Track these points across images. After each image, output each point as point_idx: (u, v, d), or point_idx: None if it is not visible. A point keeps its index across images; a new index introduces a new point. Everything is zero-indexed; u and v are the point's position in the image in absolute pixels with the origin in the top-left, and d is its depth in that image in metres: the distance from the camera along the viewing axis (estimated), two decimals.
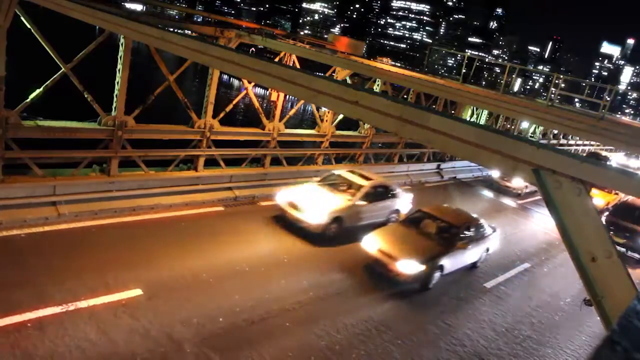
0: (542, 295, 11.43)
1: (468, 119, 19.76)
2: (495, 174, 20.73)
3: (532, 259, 13.66)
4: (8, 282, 6.97)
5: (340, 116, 14.53)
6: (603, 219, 14.94)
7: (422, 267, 9.35)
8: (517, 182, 19.98)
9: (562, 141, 31.47)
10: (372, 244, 9.90)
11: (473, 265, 11.44)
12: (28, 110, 9.03)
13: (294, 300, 8.36)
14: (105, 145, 10.08)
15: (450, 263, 10.12)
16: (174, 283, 8.03)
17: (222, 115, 12.17)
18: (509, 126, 25.86)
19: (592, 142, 31.76)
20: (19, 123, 8.76)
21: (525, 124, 26.80)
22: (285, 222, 11.20)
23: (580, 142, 33.04)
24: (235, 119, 34.38)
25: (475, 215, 11.94)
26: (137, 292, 7.47)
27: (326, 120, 14.98)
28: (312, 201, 10.92)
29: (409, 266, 9.30)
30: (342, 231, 11.00)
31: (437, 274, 9.92)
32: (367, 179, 12.08)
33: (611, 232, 12.97)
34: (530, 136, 27.35)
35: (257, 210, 12.19)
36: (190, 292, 7.92)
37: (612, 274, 3.17)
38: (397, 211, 12.69)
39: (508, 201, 19.86)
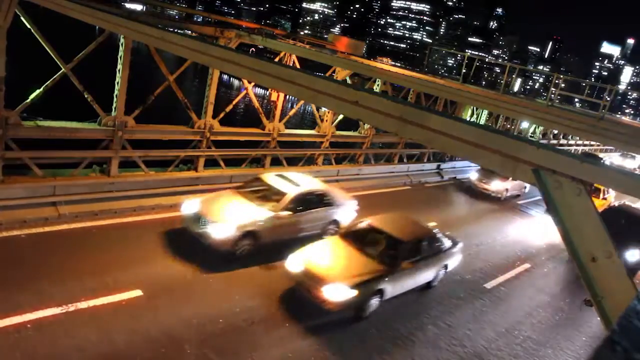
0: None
1: (468, 119, 19.77)
2: (473, 175, 19.27)
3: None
4: (8, 283, 6.97)
5: (340, 116, 14.53)
6: None
7: (354, 293, 7.66)
8: (497, 185, 18.43)
9: (562, 141, 31.49)
10: (298, 263, 8.20)
11: (428, 286, 9.84)
12: (28, 110, 9.03)
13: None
14: (105, 146, 10.08)
15: (393, 287, 8.44)
16: (174, 283, 8.03)
17: (222, 115, 12.17)
18: (509, 126, 25.86)
19: (592, 142, 31.80)
20: (19, 123, 8.77)
21: (525, 124, 26.80)
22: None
23: (580, 142, 33.06)
24: (235, 119, 34.37)
25: (430, 227, 10.53)
26: (137, 292, 7.47)
27: (326, 120, 14.99)
28: (221, 212, 9.17)
29: (337, 292, 7.60)
30: (259, 248, 9.19)
31: (374, 301, 8.19)
32: (296, 184, 10.25)
33: None
34: (530, 136, 27.36)
35: None
36: (190, 292, 7.92)
37: (612, 274, 3.17)
38: (335, 222, 10.78)
39: (487, 206, 17.87)
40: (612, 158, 33.67)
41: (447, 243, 10.11)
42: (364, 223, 9.53)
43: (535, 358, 8.62)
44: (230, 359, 6.64)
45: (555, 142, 29.98)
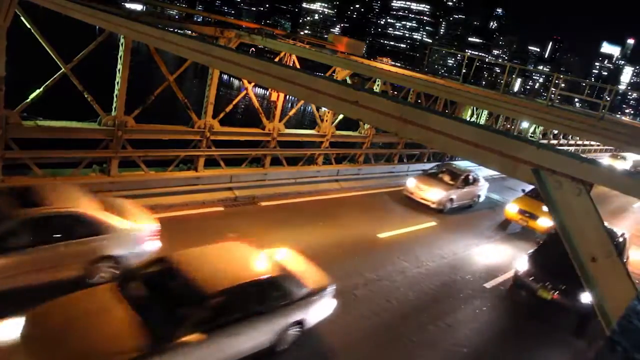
0: None
1: (468, 119, 19.76)
2: (410, 182, 15.73)
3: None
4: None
5: (340, 116, 14.54)
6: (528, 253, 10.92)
7: None
8: (436, 194, 14.92)
9: (562, 141, 31.51)
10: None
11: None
12: (28, 110, 9.04)
13: None
14: (105, 146, 10.09)
15: None
16: None
17: (222, 115, 12.18)
18: (509, 126, 25.87)
19: (592, 142, 31.82)
20: (19, 123, 8.77)
21: (525, 124, 26.81)
22: None
23: (580, 142, 33.09)
24: (235, 119, 34.39)
25: (277, 265, 7.01)
26: None
27: (326, 120, 14.99)
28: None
29: None
30: None
31: None
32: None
33: (538, 284, 9.75)
34: (530, 136, 27.36)
35: (257, 210, 12.20)
36: None
37: (612, 274, 3.16)
38: (111, 259, 7.39)
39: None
40: (602, 159, 33.73)
41: (300, 289, 6.92)
42: (158, 264, 6.50)
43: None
44: None
45: (555, 142, 30.00)
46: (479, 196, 16.92)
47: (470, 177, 16.22)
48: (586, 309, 8.89)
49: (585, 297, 8.92)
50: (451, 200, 15.31)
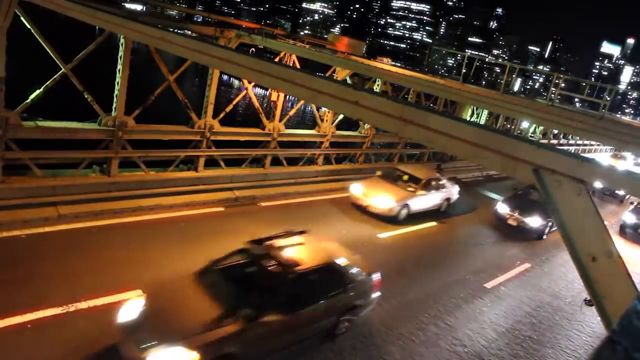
0: None
1: (468, 119, 19.76)
2: (355, 188, 13.64)
3: None
4: (8, 283, 6.97)
5: (341, 116, 14.53)
6: None
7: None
8: (383, 202, 13.07)
9: (562, 141, 31.50)
10: None
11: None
12: (28, 110, 9.04)
13: None
14: (105, 146, 10.08)
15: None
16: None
17: (222, 115, 12.17)
18: (509, 126, 25.87)
19: (592, 142, 31.82)
20: (19, 123, 8.77)
21: (525, 124, 26.81)
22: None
23: (580, 142, 33.08)
24: (236, 119, 34.37)
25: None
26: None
27: (326, 120, 14.99)
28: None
29: None
30: None
31: None
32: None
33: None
34: (530, 136, 27.36)
35: (257, 210, 12.19)
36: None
37: (612, 274, 3.16)
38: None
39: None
40: (603, 158, 33.77)
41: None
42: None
43: (536, 358, 8.61)
44: None
45: (555, 141, 30.00)
46: (448, 199, 15.25)
47: (434, 181, 14.53)
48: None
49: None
50: (406, 206, 13.39)
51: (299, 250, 7.14)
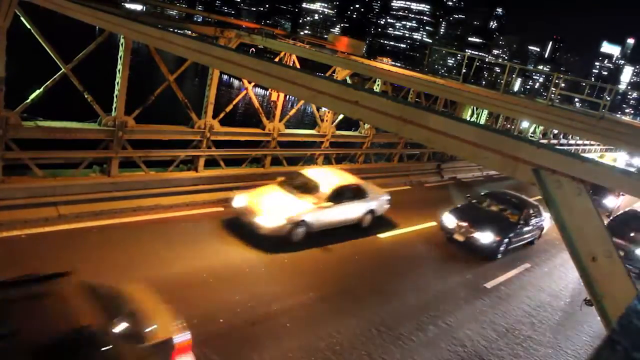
0: None
1: (468, 119, 19.76)
2: (239, 200, 10.65)
3: None
4: None
5: (341, 116, 14.53)
6: None
7: None
8: (269, 220, 9.95)
9: (562, 141, 31.50)
10: None
11: None
12: (28, 110, 9.04)
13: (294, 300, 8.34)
14: (106, 146, 10.08)
15: None
16: (175, 283, 8.02)
17: (222, 115, 12.18)
18: (509, 126, 25.87)
19: (592, 142, 31.82)
20: (19, 123, 8.77)
21: (525, 124, 26.81)
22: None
23: (580, 142, 33.10)
24: (236, 119, 34.36)
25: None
26: None
27: (326, 120, 14.99)
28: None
29: None
30: None
31: None
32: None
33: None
34: (531, 136, 27.36)
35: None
36: (191, 292, 7.92)
37: (612, 274, 3.16)
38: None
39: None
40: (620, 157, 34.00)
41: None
42: None
43: (536, 358, 8.62)
44: None
45: (555, 141, 30.00)
46: (372, 212, 12.26)
47: (348, 190, 11.61)
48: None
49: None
50: (302, 224, 10.31)
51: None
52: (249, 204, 10.45)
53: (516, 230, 12.95)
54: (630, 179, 3.45)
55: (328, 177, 11.77)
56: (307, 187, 11.19)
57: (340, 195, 11.23)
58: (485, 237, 12.21)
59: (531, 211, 13.77)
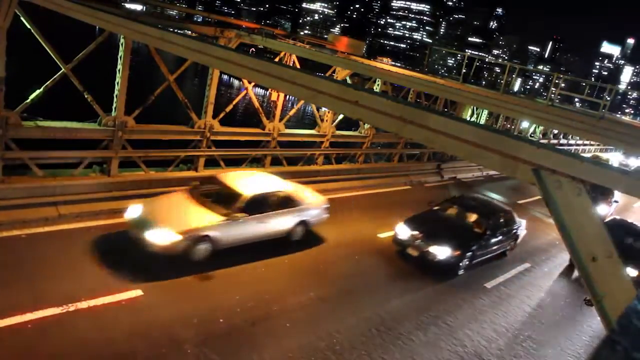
0: None
1: (468, 119, 19.76)
2: (132, 211, 8.86)
3: None
4: (8, 283, 6.97)
5: (341, 116, 14.53)
6: None
7: None
8: (162, 235, 8.15)
9: (562, 141, 31.52)
10: None
11: None
12: (28, 110, 9.04)
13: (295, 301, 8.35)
14: (105, 146, 10.09)
15: None
16: (175, 283, 8.02)
17: (222, 115, 12.18)
18: (509, 126, 25.87)
19: (592, 142, 31.84)
20: (19, 123, 8.77)
21: (525, 124, 26.81)
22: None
23: (580, 142, 33.11)
24: (235, 119, 34.37)
25: None
26: (138, 292, 7.47)
27: (326, 120, 14.99)
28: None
29: None
30: None
31: None
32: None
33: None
34: (531, 136, 27.36)
35: None
36: (191, 291, 7.92)
37: (612, 274, 3.16)
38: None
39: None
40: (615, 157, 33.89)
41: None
42: None
43: (536, 358, 8.62)
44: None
45: (555, 141, 30.02)
46: (304, 223, 10.48)
47: (273, 200, 9.81)
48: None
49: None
50: (206, 239, 8.54)
51: None
52: (143, 216, 8.69)
53: (481, 242, 11.14)
54: (630, 179, 3.44)
55: (249, 183, 9.81)
56: (220, 195, 9.45)
57: (259, 205, 9.38)
58: (442, 251, 10.41)
59: (501, 219, 12.05)
